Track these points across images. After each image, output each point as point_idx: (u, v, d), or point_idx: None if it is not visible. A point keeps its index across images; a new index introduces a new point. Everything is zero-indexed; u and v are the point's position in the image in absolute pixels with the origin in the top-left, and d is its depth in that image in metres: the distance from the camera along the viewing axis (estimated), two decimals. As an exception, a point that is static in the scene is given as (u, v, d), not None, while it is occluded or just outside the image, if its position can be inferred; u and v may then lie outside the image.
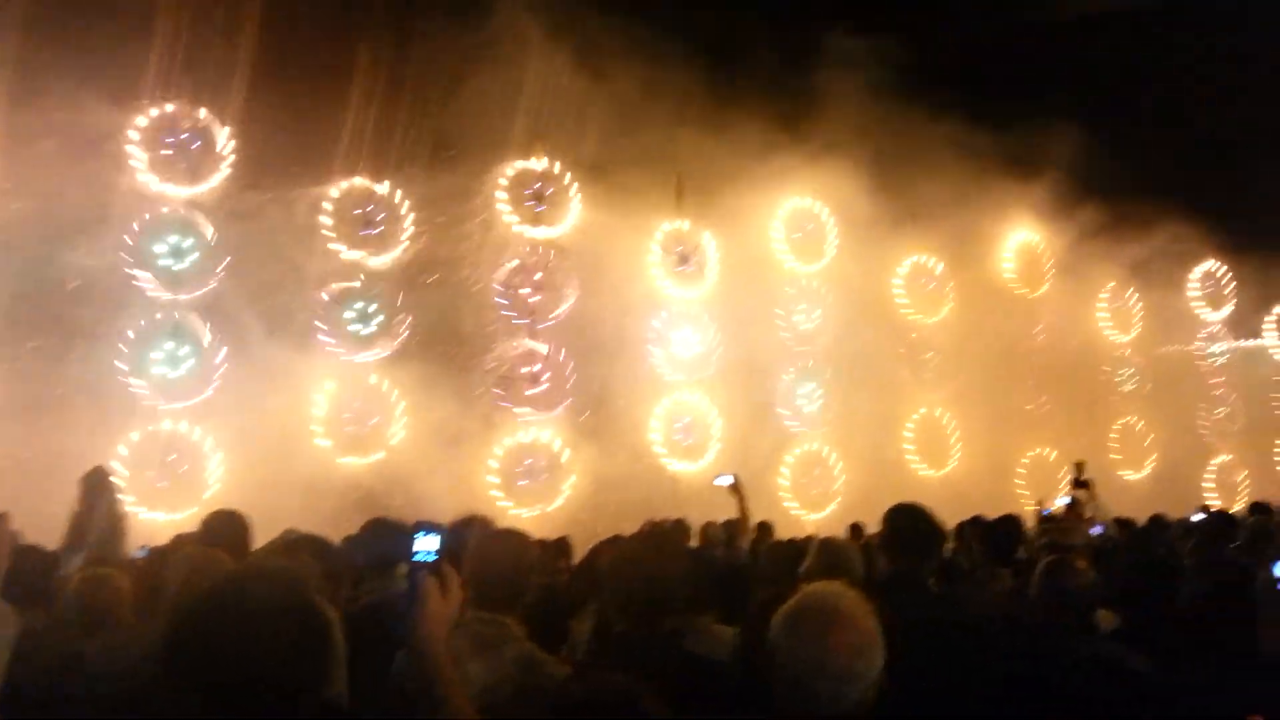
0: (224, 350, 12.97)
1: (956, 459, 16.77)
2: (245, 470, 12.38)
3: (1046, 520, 8.84)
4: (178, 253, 13.02)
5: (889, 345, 17.00)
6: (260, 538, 5.32)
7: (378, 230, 14.25)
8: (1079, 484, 8.57)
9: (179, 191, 13.22)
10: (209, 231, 13.18)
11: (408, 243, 14.28)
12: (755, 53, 15.75)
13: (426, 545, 2.52)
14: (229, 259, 13.10)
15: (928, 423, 16.92)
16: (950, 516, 9.09)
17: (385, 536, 5.01)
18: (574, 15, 14.19)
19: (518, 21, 13.99)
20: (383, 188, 14.14)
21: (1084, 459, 9.10)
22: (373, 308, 14.07)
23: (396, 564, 4.99)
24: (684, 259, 15.79)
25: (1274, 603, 3.73)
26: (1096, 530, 8.27)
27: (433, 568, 2.47)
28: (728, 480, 8.24)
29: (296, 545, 4.15)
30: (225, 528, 4.91)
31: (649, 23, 14.61)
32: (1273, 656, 3.62)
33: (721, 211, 15.84)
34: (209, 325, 13.02)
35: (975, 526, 7.39)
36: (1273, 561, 4.68)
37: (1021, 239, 18.23)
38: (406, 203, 14.26)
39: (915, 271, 17.43)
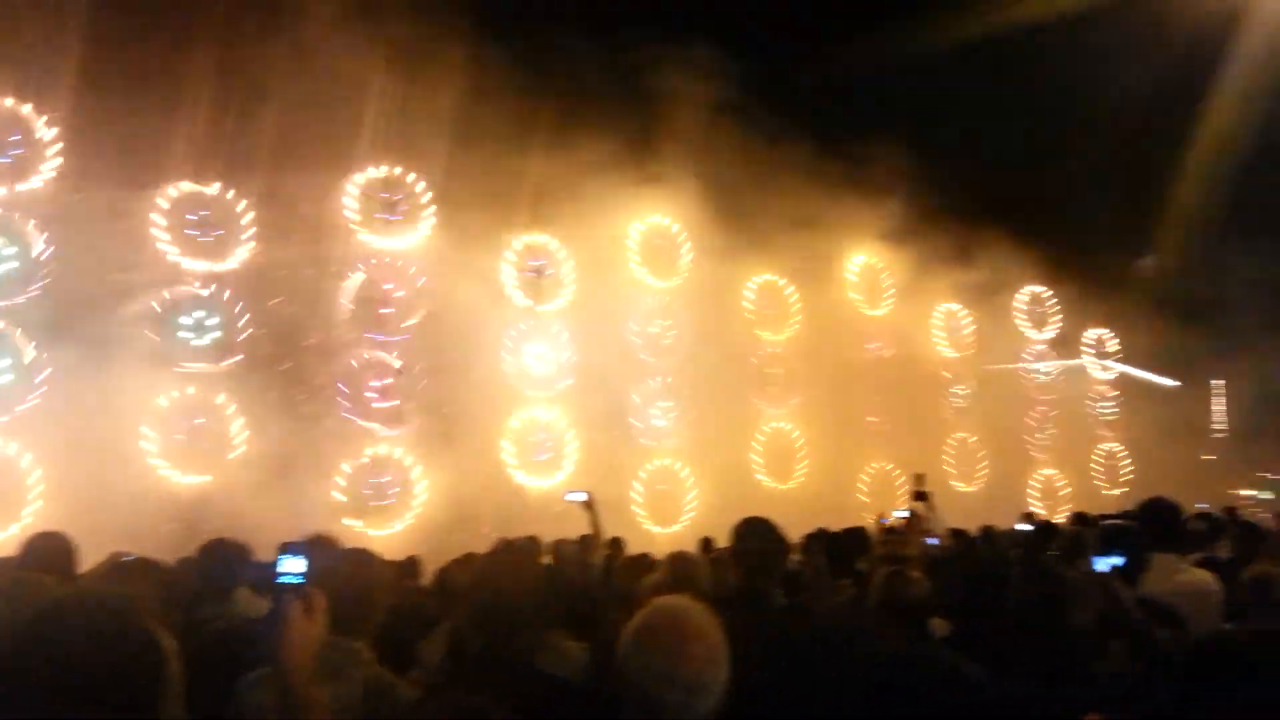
0: (46, 361, 12.14)
1: (803, 473, 17.30)
2: (70, 489, 11.60)
3: (887, 532, 9.19)
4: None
5: (739, 361, 17.43)
6: (87, 560, 5.01)
7: (213, 237, 13.64)
8: (918, 496, 8.94)
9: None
10: (33, 236, 12.34)
11: (246, 250, 13.73)
12: (612, 70, 15.91)
13: (292, 567, 2.43)
14: (53, 264, 12.29)
15: (775, 437, 17.41)
16: (797, 529, 9.40)
17: (222, 559, 4.80)
18: (433, 26, 14.00)
19: (373, 30, 13.69)
20: (213, 190, 13.54)
21: (923, 472, 9.50)
22: (210, 318, 13.46)
23: (235, 587, 4.79)
24: (539, 272, 15.76)
25: (1086, 587, 4.01)
26: (932, 541, 8.66)
27: (298, 590, 2.39)
28: (580, 496, 8.22)
29: (128, 569, 3.93)
30: (48, 550, 4.60)
31: (509, 38, 14.59)
32: (1080, 629, 3.88)
33: (576, 226, 15.92)
34: (27, 334, 12.16)
35: (819, 539, 7.61)
36: (1092, 557, 5.05)
37: (863, 260, 19.00)
38: (243, 204, 13.71)
39: (764, 290, 17.93)
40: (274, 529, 7.76)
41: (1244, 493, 19.95)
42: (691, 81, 15.91)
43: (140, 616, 1.98)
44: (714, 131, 16.09)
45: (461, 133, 14.63)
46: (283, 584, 2.40)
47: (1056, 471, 19.65)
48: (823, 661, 3.98)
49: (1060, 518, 13.35)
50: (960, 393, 19.41)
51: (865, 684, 3.87)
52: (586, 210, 15.70)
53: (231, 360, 13.45)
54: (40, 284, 12.28)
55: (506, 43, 14.52)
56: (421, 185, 14.97)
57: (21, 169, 12.51)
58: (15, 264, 12.25)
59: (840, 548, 7.08)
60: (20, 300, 12.25)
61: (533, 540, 8.91)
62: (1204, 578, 5.24)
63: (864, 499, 17.24)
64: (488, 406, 15.07)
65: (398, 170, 14.89)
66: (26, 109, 12.54)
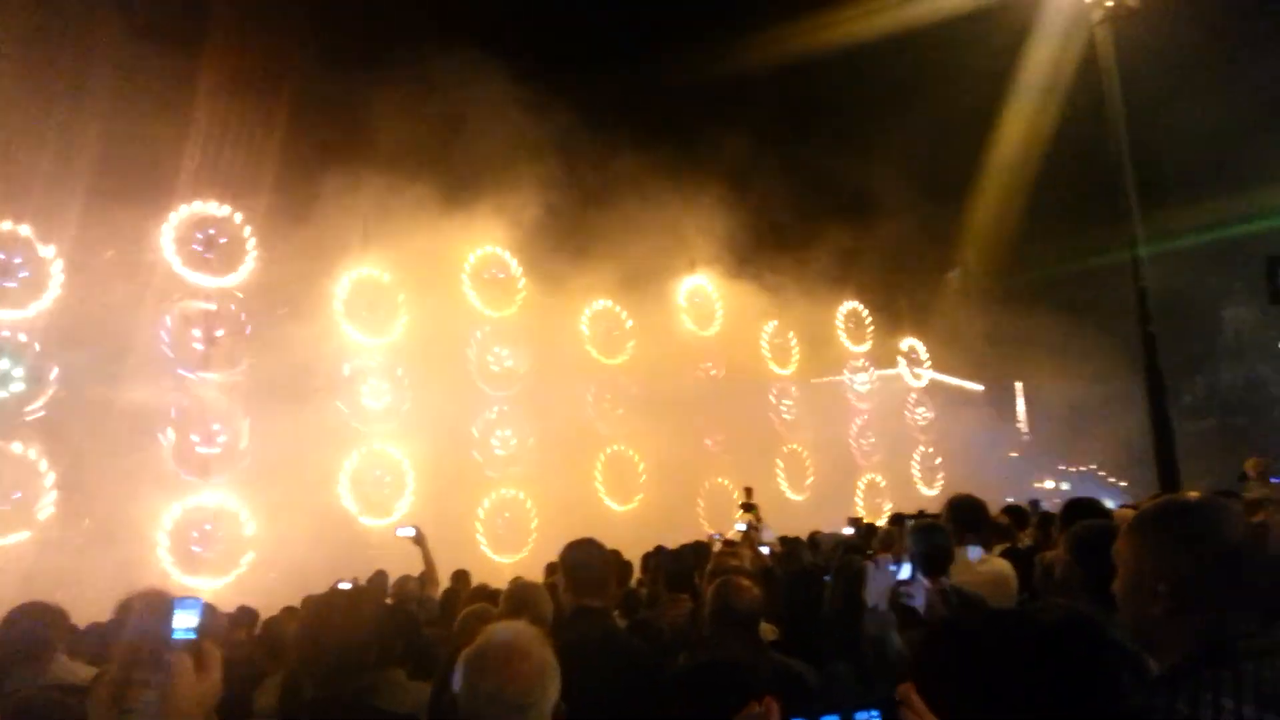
0: None
1: (643, 494, 17.60)
2: None
3: (725, 545, 9.52)
4: None
5: (577, 387, 17.61)
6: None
7: (17, 281, 12.82)
8: (746, 507, 9.34)
9: None
10: None
11: (57, 292, 12.96)
12: (442, 99, 15.90)
13: (184, 622, 2.35)
14: None
15: (615, 460, 17.65)
16: (640, 549, 9.62)
17: (29, 623, 4.54)
18: (262, 57, 13.70)
19: (202, 63, 13.26)
20: (24, 229, 12.76)
21: (751, 485, 9.91)
22: (14, 367, 12.60)
23: (46, 652, 4.54)
24: (369, 307, 15.52)
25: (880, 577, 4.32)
26: (763, 550, 9.04)
27: (190, 646, 2.32)
28: (409, 532, 8.16)
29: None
30: None
31: (337, 69, 14.40)
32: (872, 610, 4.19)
33: (410, 259, 15.77)
34: None
35: (656, 556, 7.82)
36: (897, 562, 5.44)
37: (693, 284, 19.57)
38: (53, 248, 12.95)
39: (599, 316, 18.21)
40: (102, 587, 7.37)
41: (1047, 485, 21.61)
42: (518, 107, 16.11)
43: None
44: (544, 157, 16.33)
45: (286, 166, 14.34)
46: (175, 639, 2.34)
47: (878, 476, 20.73)
48: (653, 672, 4.15)
49: (882, 520, 14.10)
50: (788, 406, 20.23)
51: (692, 689, 4.06)
52: (419, 241, 15.58)
53: (37, 411, 12.59)
54: None
55: (338, 75, 14.35)
56: (241, 219, 14.50)
57: None
58: None
59: (679, 564, 7.26)
60: None
61: (380, 575, 8.78)
62: (1002, 567, 5.73)
63: (702, 516, 17.67)
64: (323, 447, 14.66)
65: (220, 207, 14.38)
66: None
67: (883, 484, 20.61)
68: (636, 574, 9.33)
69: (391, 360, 15.56)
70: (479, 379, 16.53)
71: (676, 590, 6.31)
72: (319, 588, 7.92)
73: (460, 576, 10.47)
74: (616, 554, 8.09)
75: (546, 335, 17.15)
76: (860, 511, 18.19)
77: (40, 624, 4.43)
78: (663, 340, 18.52)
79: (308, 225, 14.62)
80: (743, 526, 9.73)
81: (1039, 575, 5.92)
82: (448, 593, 9.22)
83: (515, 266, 17.13)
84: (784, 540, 9.76)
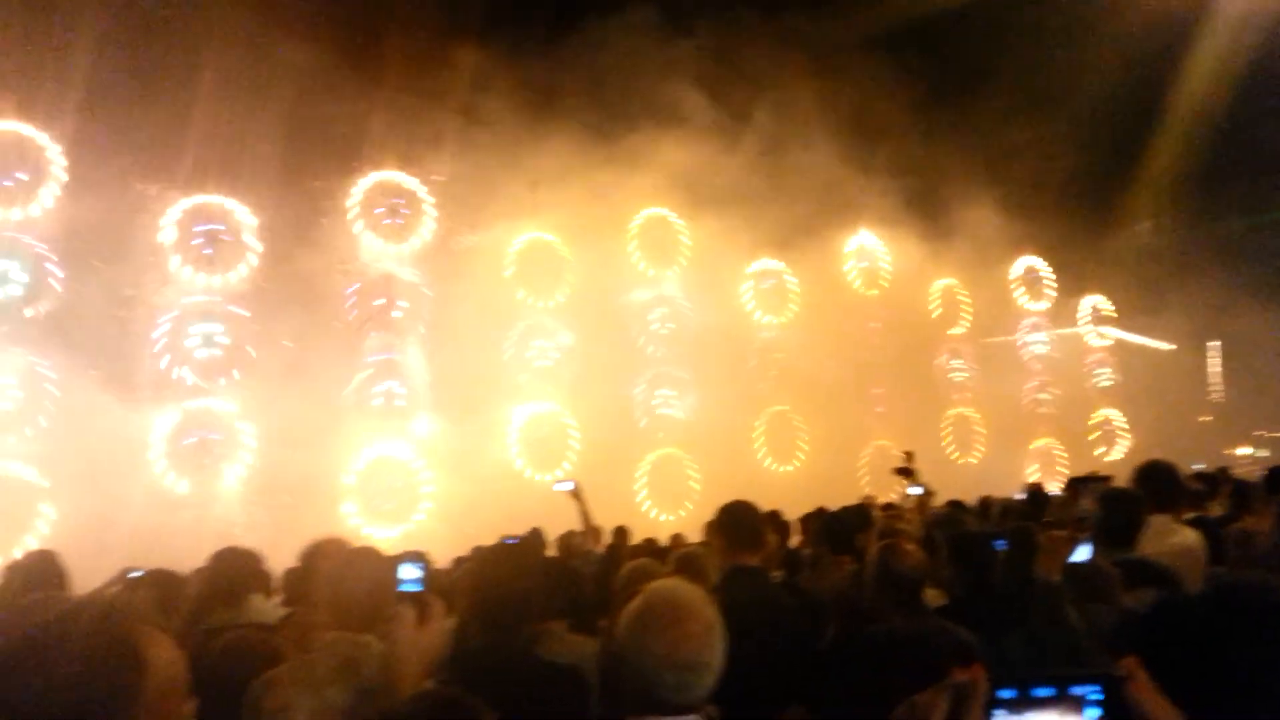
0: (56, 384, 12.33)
1: (803, 457, 17.42)
2: (80, 508, 11.76)
3: (885, 508, 9.31)
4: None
5: (739, 346, 17.54)
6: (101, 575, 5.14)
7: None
8: (903, 472, 9.07)
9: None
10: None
11: (253, 261, 13.93)
12: (608, 61, 15.88)
13: (409, 575, 2.49)
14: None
15: (776, 420, 17.52)
16: (800, 509, 9.52)
17: (229, 566, 4.91)
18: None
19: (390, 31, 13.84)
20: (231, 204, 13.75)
21: (916, 449, 9.61)
22: (218, 334, 13.61)
23: (242, 593, 4.91)
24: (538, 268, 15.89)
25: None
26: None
27: (414, 597, 2.44)
28: (568, 486, 8.32)
29: (141, 581, 4.05)
30: (37, 570, 4.69)
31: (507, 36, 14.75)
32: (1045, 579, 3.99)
33: (576, 220, 16.03)
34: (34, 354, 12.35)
35: (816, 518, 7.71)
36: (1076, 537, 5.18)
37: (859, 240, 19.07)
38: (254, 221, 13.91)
39: (762, 274, 18.03)
40: (286, 536, 7.90)
41: (1240, 452, 20.06)
42: (682, 65, 15.98)
43: (121, 625, 1.98)
44: (709, 115, 16.19)
45: (460, 127, 14.78)
46: (401, 591, 2.46)
47: (1055, 440, 19.75)
48: (810, 633, 4.10)
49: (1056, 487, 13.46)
50: (959, 366, 19.52)
51: (855, 656, 3.99)
52: (584, 203, 15.81)
53: (234, 378, 13.60)
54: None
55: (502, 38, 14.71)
56: (425, 190, 15.13)
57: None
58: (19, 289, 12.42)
59: (841, 525, 7.12)
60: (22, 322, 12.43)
61: (535, 532, 9.02)
62: (1191, 537, 5.36)
63: (864, 479, 17.36)
64: (494, 404, 15.20)
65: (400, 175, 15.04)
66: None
67: (1059, 449, 19.64)
68: (797, 536, 9.26)
69: (558, 320, 15.90)
70: (643, 339, 16.71)
71: (839, 552, 6.21)
72: (486, 540, 8.26)
73: (621, 533, 10.67)
74: (776, 514, 8.03)
75: (708, 295, 17.12)
76: (1034, 477, 17.41)
77: (237, 567, 4.79)
78: (827, 299, 18.17)
79: (480, 190, 15.06)
80: (917, 490, 9.48)
81: (1232, 546, 5.52)
82: (610, 548, 9.41)
83: (680, 225, 17.15)
84: (950, 505, 9.44)
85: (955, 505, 9.10)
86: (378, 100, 14.44)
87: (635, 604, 2.63)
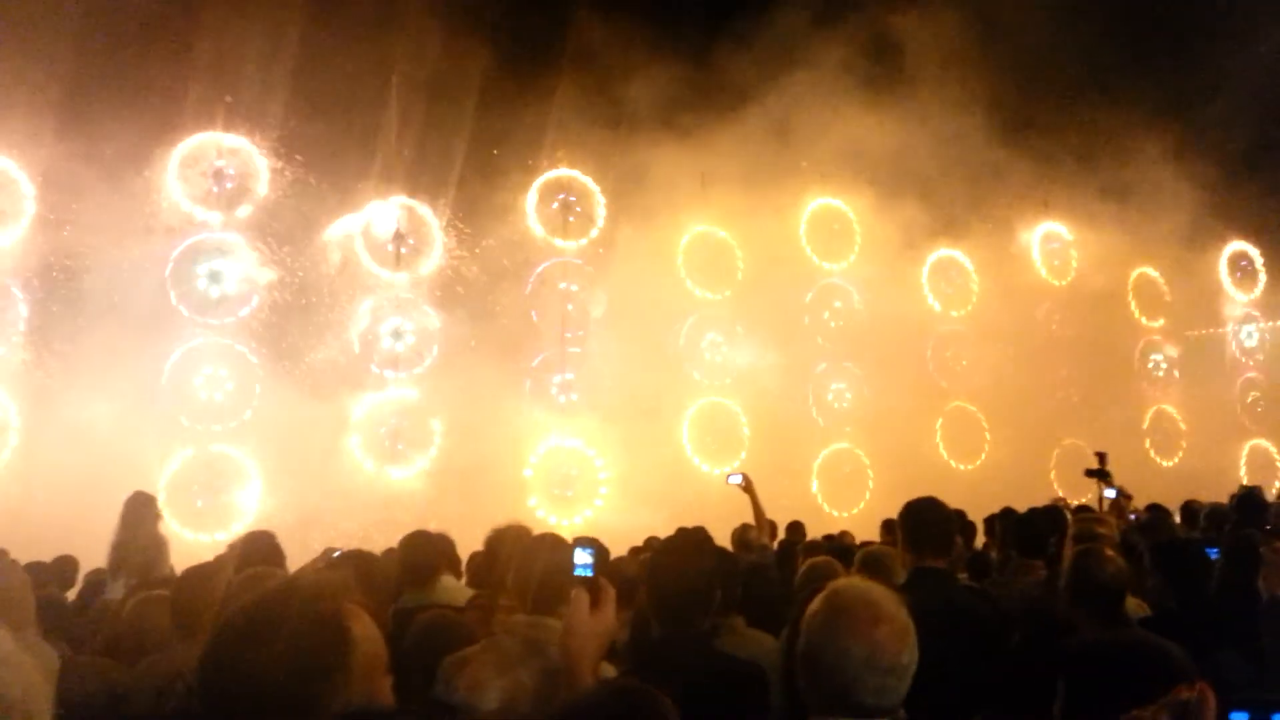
0: (264, 374, 13.31)
1: (985, 454, 16.73)
2: (284, 490, 12.62)
3: (1078, 510, 8.82)
4: (214, 277, 13.37)
5: (918, 339, 17.02)
6: (304, 555, 5.47)
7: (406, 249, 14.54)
8: (1096, 474, 8.53)
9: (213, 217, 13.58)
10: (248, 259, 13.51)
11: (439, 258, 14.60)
12: (774, 54, 15.75)
13: (582, 560, 2.56)
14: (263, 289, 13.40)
15: (957, 416, 16.90)
16: (984, 510, 9.16)
17: (421, 548, 5.14)
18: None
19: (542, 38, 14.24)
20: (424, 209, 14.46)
21: (1110, 449, 9.04)
22: (407, 327, 14.34)
23: (435, 575, 5.13)
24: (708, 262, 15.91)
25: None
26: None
27: (587, 583, 2.52)
28: (738, 479, 8.27)
29: (341, 560, 4.29)
30: (257, 548, 5.04)
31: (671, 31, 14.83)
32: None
33: (745, 213, 15.95)
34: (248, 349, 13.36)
35: (1003, 519, 7.39)
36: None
37: (1046, 228, 18.15)
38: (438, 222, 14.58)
39: (939, 266, 17.44)
40: (470, 521, 8.22)
41: None
42: (856, 58, 15.64)
43: (331, 601, 2.09)
44: (883, 103, 15.78)
45: (623, 128, 14.99)
46: (575, 576, 2.53)
47: (1268, 442, 18.16)
48: (999, 640, 3.91)
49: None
50: (1158, 362, 18.26)
51: (1050, 667, 3.78)
52: (756, 195, 15.71)
53: (424, 365, 14.28)
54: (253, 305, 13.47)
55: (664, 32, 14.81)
56: (598, 187, 15.46)
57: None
58: (230, 286, 13.44)
59: (1032, 528, 6.76)
60: (234, 319, 13.44)
61: (701, 530, 9.02)
62: None
63: (1054, 479, 16.51)
64: (667, 397, 15.33)
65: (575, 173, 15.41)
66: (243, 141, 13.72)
67: (1274, 451, 18.06)
68: (981, 537, 8.90)
69: (730, 314, 15.87)
70: (815, 332, 16.47)
71: (1029, 556, 5.91)
72: (657, 531, 8.31)
73: (796, 528, 10.56)
74: (960, 514, 7.74)
75: (885, 286, 16.68)
76: (1248, 482, 16.07)
77: (429, 550, 5.02)
78: (1012, 290, 17.36)
79: (649, 185, 15.22)
80: (1111, 493, 8.93)
81: None
82: (784, 544, 9.33)
83: (851, 216, 16.79)
84: (1151, 509, 8.84)
85: (1157, 510, 8.54)
86: (552, 98, 14.80)
87: (825, 602, 2.58)
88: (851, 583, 2.65)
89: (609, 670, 3.70)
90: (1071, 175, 17.29)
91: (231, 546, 4.96)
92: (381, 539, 7.83)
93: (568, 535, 4.55)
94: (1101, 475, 8.55)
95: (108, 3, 12.73)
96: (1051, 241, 18.15)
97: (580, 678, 2.49)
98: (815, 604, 2.58)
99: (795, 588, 4.86)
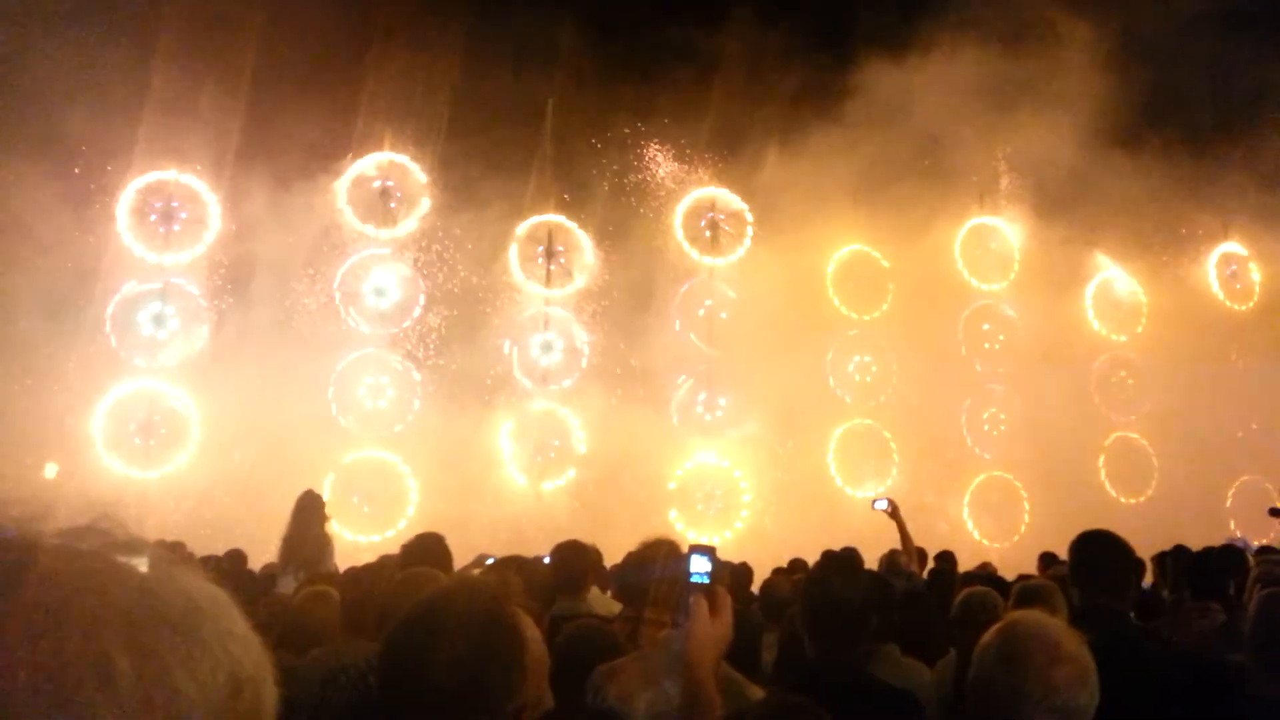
0: (422, 385, 13.90)
1: (1154, 487, 15.79)
2: (439, 495, 13.09)
3: (1263, 552, 8.23)
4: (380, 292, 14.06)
5: (1079, 364, 16.24)
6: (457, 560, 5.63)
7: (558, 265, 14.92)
8: (1276, 512, 7.93)
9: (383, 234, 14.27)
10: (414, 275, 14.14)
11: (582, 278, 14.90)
12: (926, 67, 15.36)
13: (699, 567, 2.59)
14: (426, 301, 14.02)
15: (1122, 446, 16.01)
16: (1150, 547, 8.63)
17: (573, 558, 5.23)
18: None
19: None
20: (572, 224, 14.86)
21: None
22: (557, 341, 14.69)
23: (585, 585, 5.22)
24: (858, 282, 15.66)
25: None
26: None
27: (705, 589, 2.55)
28: (884, 505, 8.05)
29: (501, 565, 4.40)
30: (427, 548, 5.21)
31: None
32: None
33: (897, 231, 15.63)
34: (408, 360, 13.98)
35: (1179, 557, 6.94)
36: None
37: (1225, 249, 17.05)
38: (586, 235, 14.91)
39: (1107, 286, 16.61)
40: (616, 531, 8.32)
41: None
42: (998, 67, 15.09)
43: (505, 603, 2.15)
44: (1041, 118, 15.19)
45: (779, 139, 14.92)
46: (692, 583, 2.56)
47: None
48: (1186, 688, 3.67)
49: None
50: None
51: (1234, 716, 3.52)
52: (911, 216, 15.37)
53: (573, 379, 14.59)
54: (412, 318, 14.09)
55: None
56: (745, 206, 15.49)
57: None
58: (396, 298, 14.10)
59: (1208, 567, 6.32)
60: (400, 330, 14.09)
61: (853, 551, 8.85)
62: None
63: (1230, 516, 15.42)
64: (814, 420, 15.14)
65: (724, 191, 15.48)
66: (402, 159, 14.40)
67: None
68: (1149, 575, 8.40)
69: (878, 335, 15.55)
70: (971, 355, 15.95)
71: (1205, 598, 5.54)
72: (802, 553, 8.18)
73: (946, 557, 10.22)
74: (1133, 552, 7.33)
75: (1044, 308, 16.00)
76: None
77: (580, 559, 5.10)
78: (1185, 314, 16.35)
79: (798, 203, 15.10)
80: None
81: None
82: (933, 573, 9.04)
83: (1009, 236, 16.21)
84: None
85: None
86: (700, 116, 14.90)
87: (1001, 635, 2.48)
88: (1031, 616, 2.54)
89: (751, 686, 3.68)
90: (1255, 196, 16.17)
91: (404, 546, 5.16)
92: (526, 548, 8.01)
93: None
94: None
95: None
96: (1230, 264, 17.02)
97: (702, 685, 2.49)
98: (989, 636, 2.49)
99: (952, 618, 4.70)
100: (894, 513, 8.01)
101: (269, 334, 12.95)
